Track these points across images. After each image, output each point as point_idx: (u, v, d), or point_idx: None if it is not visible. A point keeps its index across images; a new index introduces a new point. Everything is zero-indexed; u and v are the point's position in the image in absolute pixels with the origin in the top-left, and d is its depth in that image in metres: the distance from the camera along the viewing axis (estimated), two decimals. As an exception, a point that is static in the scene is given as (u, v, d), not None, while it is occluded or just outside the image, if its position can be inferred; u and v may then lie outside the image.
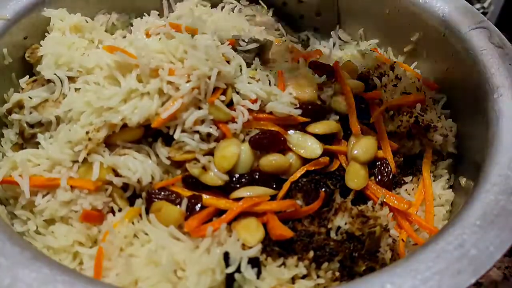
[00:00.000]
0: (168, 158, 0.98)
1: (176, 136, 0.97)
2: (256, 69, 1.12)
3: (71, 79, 1.09)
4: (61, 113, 1.03)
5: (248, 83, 1.05)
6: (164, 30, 1.07)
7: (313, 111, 1.06)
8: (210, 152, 0.99)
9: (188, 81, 0.97)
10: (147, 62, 0.96)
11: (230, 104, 1.02)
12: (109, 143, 0.99)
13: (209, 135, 0.99)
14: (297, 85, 1.08)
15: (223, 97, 1.00)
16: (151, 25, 1.18)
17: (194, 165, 0.97)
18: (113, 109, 0.96)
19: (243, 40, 1.17)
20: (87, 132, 0.96)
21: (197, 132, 0.98)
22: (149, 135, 1.01)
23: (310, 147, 1.02)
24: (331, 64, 1.17)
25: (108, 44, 1.09)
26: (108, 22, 1.33)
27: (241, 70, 1.07)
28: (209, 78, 0.98)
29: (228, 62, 1.06)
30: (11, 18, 1.17)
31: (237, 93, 1.04)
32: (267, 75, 1.09)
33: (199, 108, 0.99)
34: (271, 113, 1.03)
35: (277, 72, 1.10)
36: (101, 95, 0.98)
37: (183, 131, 0.98)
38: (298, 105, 1.04)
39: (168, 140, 1.00)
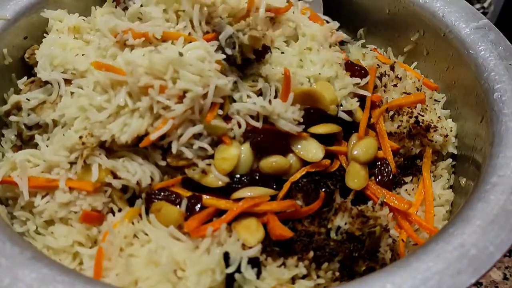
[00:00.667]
0: (165, 160, 0.98)
1: (173, 151, 0.95)
2: (256, 80, 1.05)
3: (67, 81, 1.07)
4: (57, 116, 1.02)
5: (248, 96, 1.01)
6: (135, 42, 1.02)
7: (317, 116, 1.05)
8: (209, 155, 0.98)
9: (179, 102, 0.93)
10: (136, 80, 0.93)
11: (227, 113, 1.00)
12: (106, 147, 0.98)
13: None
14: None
15: (220, 111, 0.98)
16: (114, 27, 1.06)
17: (194, 171, 0.97)
18: (102, 123, 0.95)
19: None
20: (81, 137, 0.95)
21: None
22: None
23: (312, 150, 1.01)
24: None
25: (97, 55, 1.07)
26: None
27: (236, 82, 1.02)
28: (204, 96, 0.95)
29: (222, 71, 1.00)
30: (11, 18, 1.17)
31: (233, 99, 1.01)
32: (270, 86, 1.03)
33: (193, 123, 0.96)
34: (271, 123, 1.01)
35: (284, 70, 1.02)
36: (93, 101, 0.97)
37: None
38: (301, 120, 1.02)
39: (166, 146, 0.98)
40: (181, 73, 0.94)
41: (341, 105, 1.09)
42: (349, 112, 1.09)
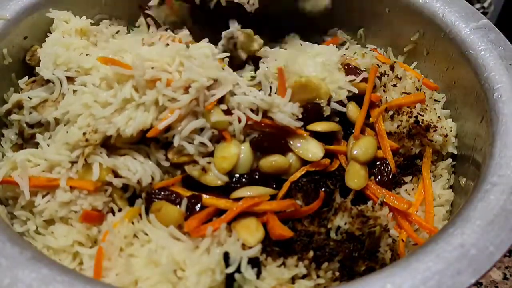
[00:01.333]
0: (167, 159, 0.98)
1: (175, 144, 0.96)
2: (254, 77, 1.09)
3: (70, 79, 1.08)
4: (59, 114, 1.02)
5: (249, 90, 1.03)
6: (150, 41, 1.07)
7: (315, 112, 1.05)
8: (210, 153, 0.99)
9: (185, 93, 0.96)
10: (142, 74, 0.95)
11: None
12: (108, 145, 0.99)
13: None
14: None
15: (223, 106, 0.99)
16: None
17: (194, 168, 0.97)
18: (107, 118, 0.96)
19: None
20: (84, 133, 0.96)
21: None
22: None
23: (312, 149, 1.01)
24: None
25: (105, 51, 1.08)
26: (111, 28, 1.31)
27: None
28: (208, 88, 0.97)
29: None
30: (11, 18, 1.17)
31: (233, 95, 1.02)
32: (271, 83, 1.06)
33: (196, 116, 0.98)
34: (271, 117, 1.01)
35: (278, 69, 1.05)
36: (98, 97, 0.97)
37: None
38: (300, 116, 1.03)
39: (167, 142, 0.99)
40: (186, 65, 0.96)
41: (332, 97, 1.09)
42: (341, 102, 1.10)
